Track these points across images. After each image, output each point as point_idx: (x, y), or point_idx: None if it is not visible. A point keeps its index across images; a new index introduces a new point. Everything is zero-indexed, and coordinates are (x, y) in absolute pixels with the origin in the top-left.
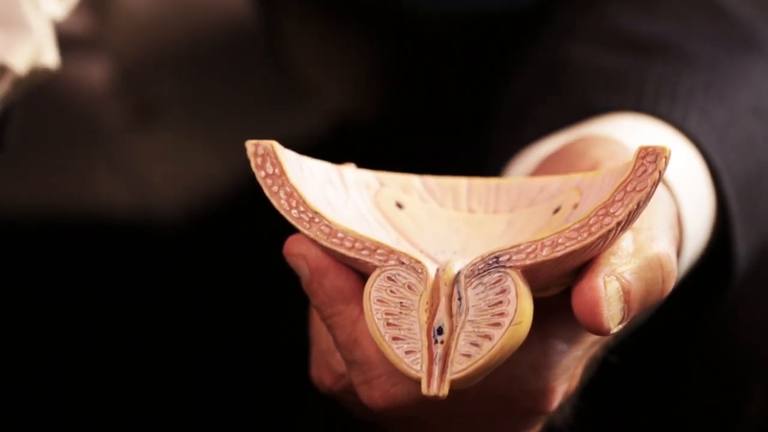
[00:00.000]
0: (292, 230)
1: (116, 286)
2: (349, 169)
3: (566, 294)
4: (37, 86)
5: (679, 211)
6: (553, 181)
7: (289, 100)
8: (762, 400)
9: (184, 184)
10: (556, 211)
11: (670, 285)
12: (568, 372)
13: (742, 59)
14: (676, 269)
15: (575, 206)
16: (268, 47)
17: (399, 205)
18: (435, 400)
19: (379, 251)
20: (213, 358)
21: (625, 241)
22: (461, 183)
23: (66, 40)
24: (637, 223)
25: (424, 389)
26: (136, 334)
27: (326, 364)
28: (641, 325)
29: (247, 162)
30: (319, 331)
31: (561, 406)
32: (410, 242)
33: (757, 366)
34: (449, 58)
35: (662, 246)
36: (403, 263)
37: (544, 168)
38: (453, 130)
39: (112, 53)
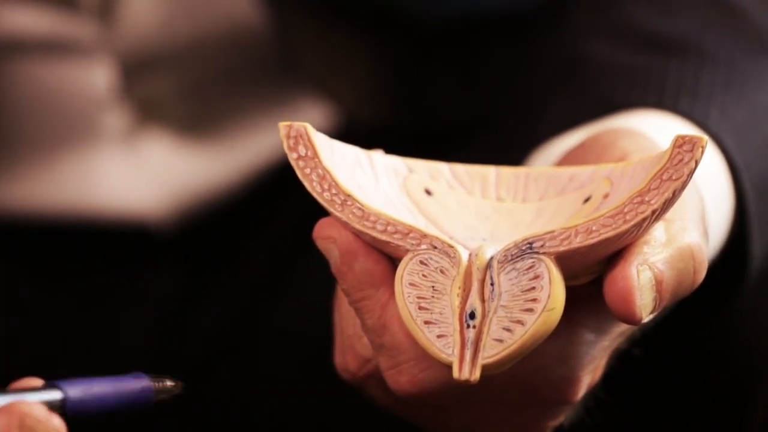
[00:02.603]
0: (295, 232)
1: (113, 288)
2: (379, 155)
3: (594, 284)
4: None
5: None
6: (582, 171)
7: (294, 101)
8: None
9: (184, 188)
10: (586, 200)
11: (701, 276)
12: (594, 363)
13: (759, 60)
14: (707, 260)
15: (606, 196)
16: (273, 48)
17: (428, 192)
18: (465, 385)
19: (411, 235)
20: (214, 359)
21: (658, 231)
22: (489, 171)
23: (71, 45)
24: (669, 214)
25: (455, 373)
26: (136, 337)
27: (352, 349)
28: (656, 324)
29: (250, 164)
30: (345, 316)
31: (583, 398)
32: (439, 229)
33: (764, 368)
34: (458, 57)
35: (694, 237)
36: (435, 247)
37: (571, 159)
38: (462, 129)
39: (116, 57)
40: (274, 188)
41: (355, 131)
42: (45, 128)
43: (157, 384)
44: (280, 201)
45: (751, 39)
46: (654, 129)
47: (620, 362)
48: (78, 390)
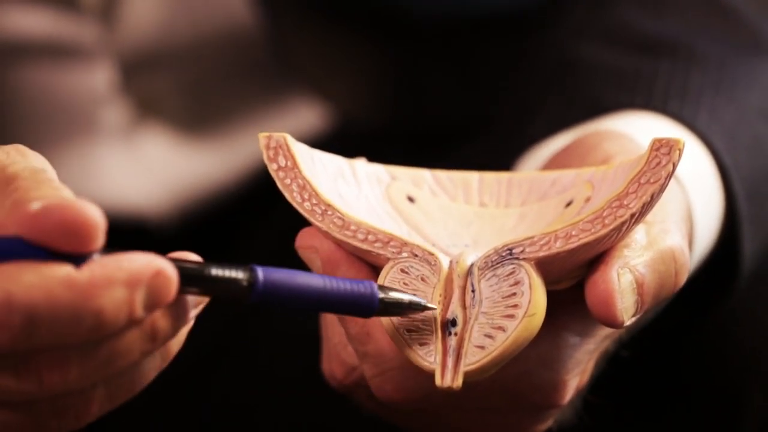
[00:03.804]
0: (292, 228)
1: None
2: (361, 163)
3: (578, 287)
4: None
5: (689, 208)
6: (564, 175)
7: (290, 100)
8: (762, 403)
9: (183, 185)
10: (568, 204)
11: (683, 278)
12: (580, 366)
13: (750, 60)
14: (689, 262)
15: (587, 200)
16: (270, 49)
17: (410, 199)
18: (448, 392)
19: (392, 243)
20: (213, 360)
21: (639, 234)
22: (472, 177)
23: (73, 46)
24: (650, 216)
25: (437, 381)
26: None
27: (338, 357)
28: (649, 323)
29: (247, 161)
30: (330, 324)
31: (572, 401)
32: (422, 236)
33: (758, 369)
34: (452, 58)
35: (675, 239)
36: (416, 255)
37: (556, 162)
38: (456, 130)
39: (117, 57)
40: (272, 185)
41: (351, 131)
42: (45, 126)
43: (382, 293)
44: (279, 198)
45: (743, 39)
46: (641, 130)
47: (612, 364)
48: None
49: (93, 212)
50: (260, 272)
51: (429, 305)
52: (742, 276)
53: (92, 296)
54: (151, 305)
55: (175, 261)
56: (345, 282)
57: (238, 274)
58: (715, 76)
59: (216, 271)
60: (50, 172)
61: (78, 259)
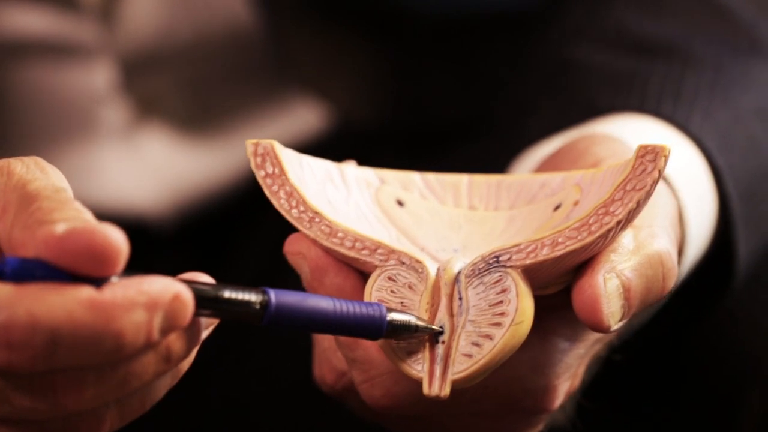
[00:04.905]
0: (291, 229)
1: None
2: (350, 167)
3: (567, 292)
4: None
5: (681, 211)
6: (553, 178)
7: (290, 101)
8: (759, 403)
9: (182, 184)
10: (557, 208)
11: (671, 282)
12: (570, 370)
13: (746, 61)
14: (676, 266)
15: (576, 203)
16: (269, 48)
17: (400, 203)
18: (436, 400)
19: (379, 251)
20: (212, 360)
21: (626, 239)
22: (462, 180)
23: (73, 46)
24: (638, 220)
25: (425, 390)
26: None
27: (328, 363)
28: (642, 326)
29: (246, 161)
30: None
31: (563, 405)
32: (411, 240)
33: (755, 371)
34: (450, 59)
35: (663, 243)
36: (403, 263)
37: (547, 165)
38: (453, 131)
39: (117, 57)
40: None
41: (350, 131)
42: (45, 125)
43: (395, 317)
44: None
45: (739, 40)
46: (634, 133)
47: (604, 368)
48: (285, 298)
49: (117, 237)
50: (272, 295)
51: (436, 328)
52: (737, 277)
53: (113, 319)
54: (167, 329)
55: (189, 283)
56: (355, 305)
57: (251, 297)
58: (711, 77)
59: (229, 294)
60: (69, 190)
61: (97, 281)
